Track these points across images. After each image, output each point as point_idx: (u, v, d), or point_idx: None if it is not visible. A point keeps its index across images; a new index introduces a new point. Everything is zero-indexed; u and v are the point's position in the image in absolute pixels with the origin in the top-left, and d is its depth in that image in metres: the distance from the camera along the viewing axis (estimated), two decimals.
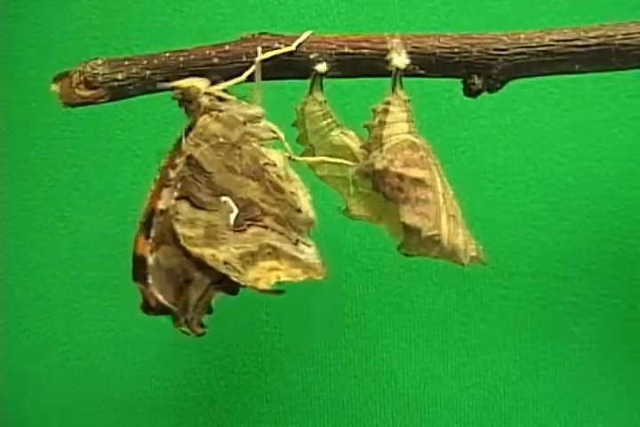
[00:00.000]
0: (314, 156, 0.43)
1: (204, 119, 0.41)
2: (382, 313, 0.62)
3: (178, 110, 0.64)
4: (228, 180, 0.41)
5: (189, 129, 0.41)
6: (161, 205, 0.41)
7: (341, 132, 0.43)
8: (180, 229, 0.41)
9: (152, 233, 0.42)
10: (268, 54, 0.41)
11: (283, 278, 0.42)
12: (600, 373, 0.60)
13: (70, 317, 0.67)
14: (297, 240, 0.43)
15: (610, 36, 0.39)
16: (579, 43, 0.40)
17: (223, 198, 0.41)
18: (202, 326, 0.44)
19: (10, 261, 0.68)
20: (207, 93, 0.41)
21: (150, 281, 0.42)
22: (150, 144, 0.66)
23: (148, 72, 0.42)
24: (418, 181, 0.40)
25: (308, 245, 0.43)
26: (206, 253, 0.41)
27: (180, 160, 0.41)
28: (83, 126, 0.67)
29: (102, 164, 0.67)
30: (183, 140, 0.41)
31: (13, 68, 0.68)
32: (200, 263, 0.41)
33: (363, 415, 0.63)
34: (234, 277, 0.41)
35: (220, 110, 0.41)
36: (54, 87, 0.42)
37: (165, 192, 0.41)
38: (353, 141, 0.43)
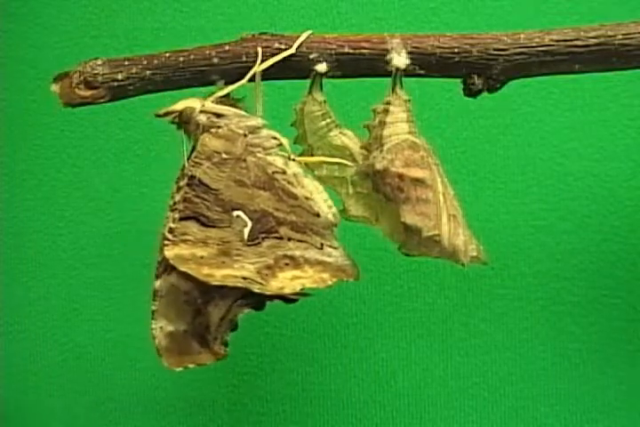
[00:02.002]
0: (312, 156, 0.43)
1: (203, 137, 0.41)
2: (382, 313, 0.62)
3: None
4: (239, 194, 0.41)
5: (184, 155, 0.41)
6: (166, 229, 0.41)
7: (340, 133, 0.43)
8: (183, 250, 0.40)
9: (159, 258, 0.42)
10: (269, 62, 0.41)
11: (308, 286, 0.41)
12: (600, 373, 0.60)
13: (70, 317, 0.67)
14: (322, 244, 0.42)
15: (610, 36, 0.39)
16: (579, 43, 0.40)
17: (235, 213, 0.41)
18: (226, 345, 0.43)
19: (10, 261, 0.68)
20: (203, 111, 0.41)
21: (154, 308, 0.42)
22: (150, 144, 0.66)
23: (148, 72, 0.42)
24: (418, 181, 0.40)
25: (335, 248, 0.43)
26: (217, 274, 0.40)
27: (183, 183, 0.41)
28: (83, 126, 0.67)
29: (102, 164, 0.67)
30: (185, 163, 0.41)
31: (13, 68, 0.68)
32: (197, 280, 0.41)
33: (363, 415, 0.63)
34: (256, 288, 0.40)
35: (219, 126, 0.41)
36: (54, 87, 0.42)
37: (171, 216, 0.41)
38: (352, 142, 0.43)
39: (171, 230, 0.41)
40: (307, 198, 0.42)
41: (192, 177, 0.41)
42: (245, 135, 0.41)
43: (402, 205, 0.40)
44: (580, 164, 0.60)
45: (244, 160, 0.41)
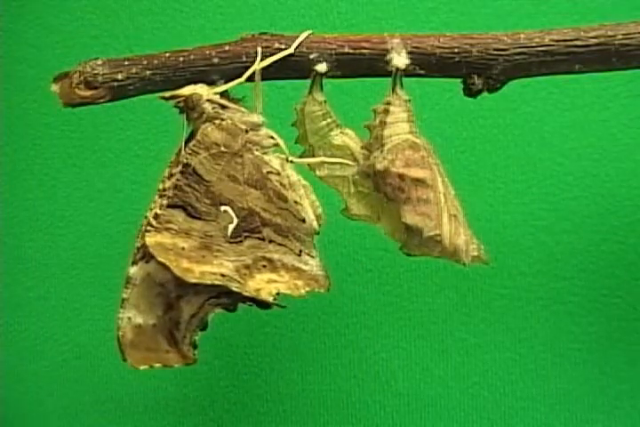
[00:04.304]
0: (313, 155, 0.43)
1: (205, 127, 0.40)
2: (382, 313, 0.62)
3: (178, 110, 0.64)
4: (230, 189, 0.40)
5: (182, 141, 0.41)
6: (152, 214, 0.40)
7: (341, 132, 0.43)
8: (165, 239, 0.39)
9: (138, 244, 0.41)
10: (269, 61, 0.40)
11: (282, 291, 0.41)
12: (600, 373, 0.60)
13: (70, 317, 0.67)
14: (300, 251, 0.42)
15: (610, 36, 0.39)
16: (579, 43, 0.40)
17: (223, 208, 0.40)
18: (194, 347, 0.42)
19: (10, 261, 0.68)
20: (209, 101, 0.41)
21: (125, 296, 0.40)
22: (150, 144, 0.66)
23: (148, 72, 0.42)
24: (419, 181, 0.40)
25: (312, 257, 0.42)
26: (196, 269, 0.39)
27: (176, 170, 0.40)
28: (83, 126, 0.67)
29: (102, 164, 0.67)
30: (182, 149, 0.40)
31: (13, 68, 0.68)
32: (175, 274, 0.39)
33: (363, 415, 0.63)
34: (234, 287, 0.40)
35: (223, 119, 0.41)
36: (54, 87, 0.42)
37: (158, 202, 0.40)
38: (352, 141, 0.43)
39: (156, 216, 0.40)
40: (296, 202, 0.42)
41: (187, 165, 0.40)
42: (247, 131, 0.41)
43: (403, 205, 0.40)
44: (579, 164, 0.60)
45: (241, 156, 0.41)
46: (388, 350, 0.63)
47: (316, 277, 0.42)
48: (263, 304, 0.41)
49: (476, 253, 0.41)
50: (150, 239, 0.39)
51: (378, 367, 0.63)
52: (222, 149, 0.40)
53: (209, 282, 0.39)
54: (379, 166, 0.40)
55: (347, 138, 0.43)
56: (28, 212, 0.68)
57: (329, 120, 0.42)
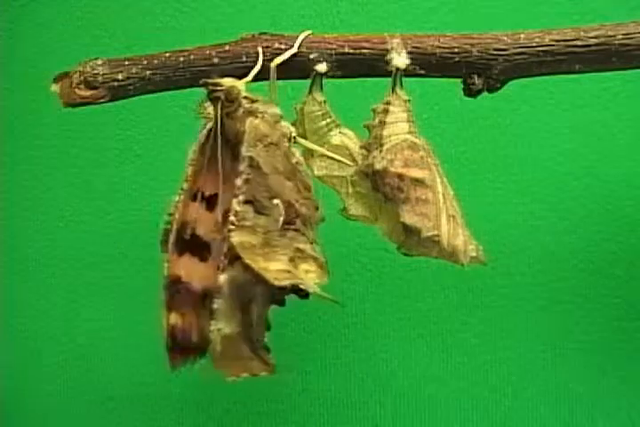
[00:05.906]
0: (312, 156, 0.43)
1: (250, 121, 0.39)
2: (382, 313, 0.62)
3: (178, 110, 0.64)
4: (277, 181, 0.39)
5: (218, 131, 0.40)
6: (232, 212, 0.38)
7: (340, 133, 0.43)
8: (243, 237, 0.37)
9: (225, 248, 0.38)
10: (281, 58, 0.40)
11: (317, 281, 0.40)
12: (600, 373, 0.60)
13: (70, 317, 0.67)
14: (313, 239, 0.41)
15: (610, 36, 0.39)
16: (579, 43, 0.40)
17: (275, 201, 0.39)
18: (268, 350, 0.40)
19: (10, 261, 0.68)
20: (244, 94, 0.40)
21: (216, 306, 0.37)
22: (150, 144, 0.66)
23: (148, 72, 0.42)
24: (418, 182, 0.40)
25: (318, 244, 0.42)
26: (271, 267, 0.37)
27: (243, 166, 0.39)
28: (83, 126, 0.67)
29: (102, 164, 0.66)
30: (242, 145, 0.39)
31: (13, 68, 0.68)
32: (259, 276, 0.37)
33: (363, 415, 0.63)
34: (302, 285, 0.38)
35: (260, 112, 0.40)
36: (54, 87, 0.42)
37: (234, 203, 0.38)
38: (351, 141, 0.43)
39: (236, 214, 0.37)
40: (314, 191, 0.41)
41: (251, 158, 0.39)
42: (277, 122, 0.40)
43: (401, 206, 0.40)
44: (579, 164, 0.60)
45: (280, 148, 0.40)
46: (387, 350, 0.62)
47: (322, 264, 0.41)
48: (302, 294, 0.39)
49: (474, 254, 0.41)
50: (235, 239, 0.37)
51: (378, 367, 0.63)
52: (269, 140, 0.39)
53: (287, 283, 0.37)
54: (377, 166, 0.40)
55: (345, 138, 0.43)
56: (28, 212, 0.68)
57: (328, 120, 0.42)
